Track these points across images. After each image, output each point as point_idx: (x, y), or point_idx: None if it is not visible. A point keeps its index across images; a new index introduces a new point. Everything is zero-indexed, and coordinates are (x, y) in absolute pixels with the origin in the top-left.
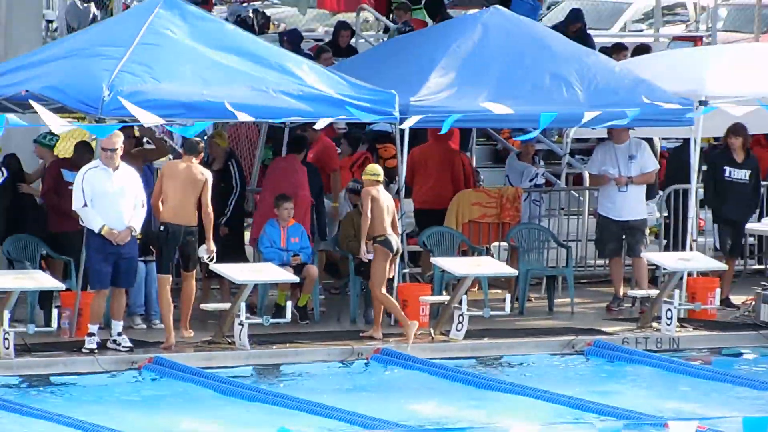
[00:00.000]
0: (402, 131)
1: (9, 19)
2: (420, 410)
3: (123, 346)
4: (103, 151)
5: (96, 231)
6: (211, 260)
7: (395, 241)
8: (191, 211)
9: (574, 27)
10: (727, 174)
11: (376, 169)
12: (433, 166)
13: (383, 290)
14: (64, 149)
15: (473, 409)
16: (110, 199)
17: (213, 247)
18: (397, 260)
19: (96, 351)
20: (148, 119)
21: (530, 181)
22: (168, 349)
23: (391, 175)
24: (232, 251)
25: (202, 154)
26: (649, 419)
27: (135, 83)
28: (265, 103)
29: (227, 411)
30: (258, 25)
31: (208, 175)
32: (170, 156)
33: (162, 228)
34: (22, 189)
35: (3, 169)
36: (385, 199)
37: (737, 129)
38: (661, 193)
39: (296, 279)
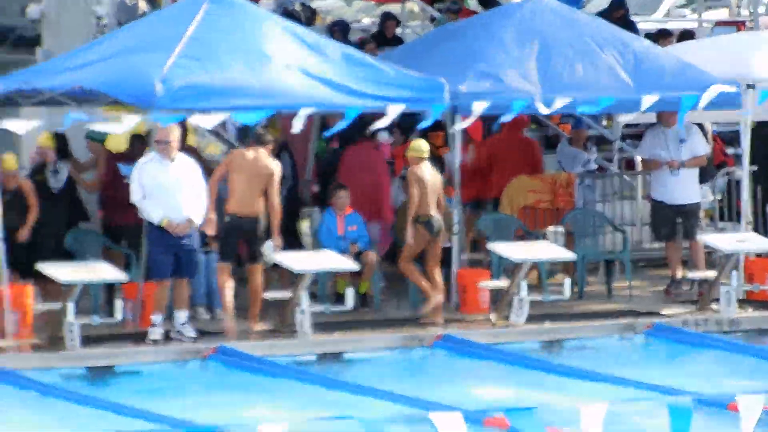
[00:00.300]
0: (453, 118)
1: (59, 14)
2: (483, 395)
3: (187, 336)
4: (158, 143)
5: (155, 223)
6: (273, 255)
7: (438, 222)
8: (257, 203)
9: (618, 13)
10: None
11: (420, 145)
12: (513, 156)
13: (408, 263)
14: (118, 143)
15: (536, 394)
16: (168, 191)
17: (279, 242)
18: (456, 245)
19: (160, 341)
20: (203, 121)
21: (583, 166)
22: (230, 335)
23: (441, 164)
24: (287, 241)
25: (271, 145)
26: (717, 396)
27: (187, 76)
28: (322, 94)
29: (292, 398)
30: (305, 17)
31: (276, 168)
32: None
33: (227, 219)
34: (71, 173)
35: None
36: (431, 177)
37: None
38: (718, 174)
39: (356, 267)
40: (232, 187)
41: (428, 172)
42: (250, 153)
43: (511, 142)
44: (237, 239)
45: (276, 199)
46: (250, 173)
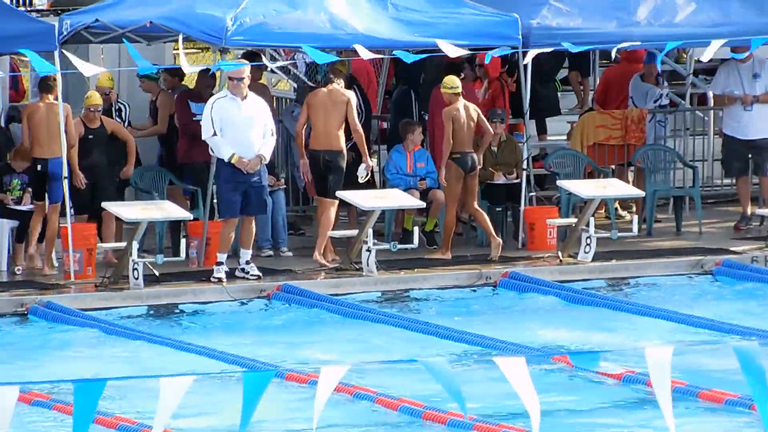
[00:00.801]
0: (525, 55)
1: None
2: (550, 334)
3: (251, 275)
4: (230, 80)
5: (226, 160)
6: (367, 177)
7: (471, 159)
8: (337, 135)
9: None
10: None
11: (454, 81)
12: (625, 88)
13: (454, 211)
14: (187, 80)
15: (603, 332)
16: (239, 128)
17: (370, 163)
18: (524, 182)
19: (224, 280)
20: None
21: (654, 102)
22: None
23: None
24: (354, 180)
25: (342, 78)
26: None
27: (259, 14)
28: (390, 34)
29: (356, 337)
30: None
31: (350, 96)
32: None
33: (311, 156)
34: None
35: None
36: (465, 113)
37: None
38: None
39: (422, 204)
40: (313, 125)
41: (462, 109)
42: (324, 90)
43: (626, 75)
44: (322, 174)
45: (358, 124)
46: (327, 108)
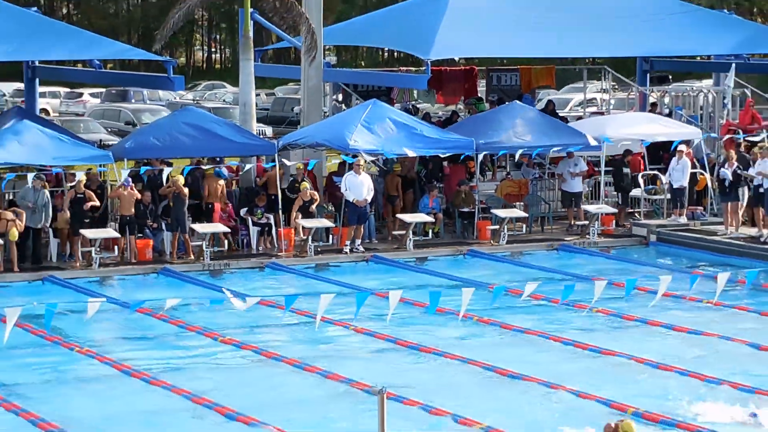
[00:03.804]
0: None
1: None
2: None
3: (361, 251)
4: (355, 166)
5: (351, 200)
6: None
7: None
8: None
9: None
10: None
11: None
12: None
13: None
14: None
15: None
16: (358, 187)
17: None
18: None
19: (348, 252)
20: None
21: (532, 176)
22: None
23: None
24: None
25: (396, 171)
26: None
27: (366, 136)
28: (414, 143)
29: (389, 283)
30: (414, 111)
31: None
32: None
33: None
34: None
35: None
36: None
37: None
38: None
39: (432, 220)
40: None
41: None
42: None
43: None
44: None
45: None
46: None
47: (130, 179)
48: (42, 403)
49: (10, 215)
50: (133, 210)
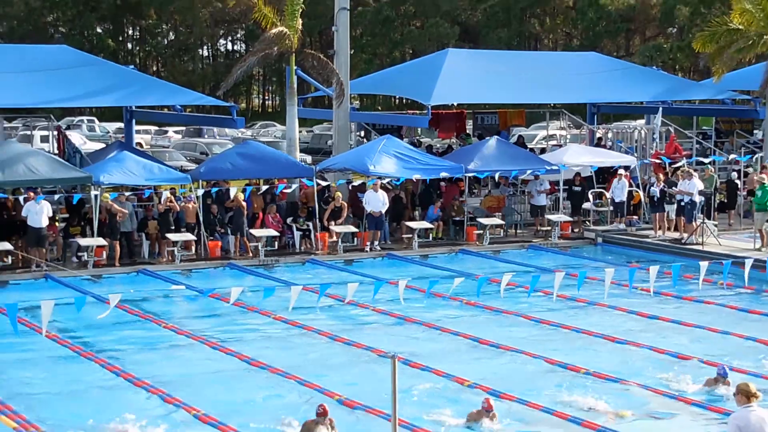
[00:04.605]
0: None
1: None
2: None
3: (379, 250)
4: (374, 186)
5: (368, 210)
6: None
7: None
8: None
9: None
10: None
11: None
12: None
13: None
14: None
15: None
16: (374, 202)
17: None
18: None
19: (371, 251)
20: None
21: (508, 194)
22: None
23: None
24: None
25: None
26: None
27: (381, 163)
28: (406, 168)
29: (398, 272)
30: (418, 144)
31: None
32: None
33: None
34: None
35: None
36: None
37: None
38: None
39: (432, 227)
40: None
41: None
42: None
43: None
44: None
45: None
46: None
47: (192, 195)
48: (137, 365)
49: (119, 208)
50: (195, 218)
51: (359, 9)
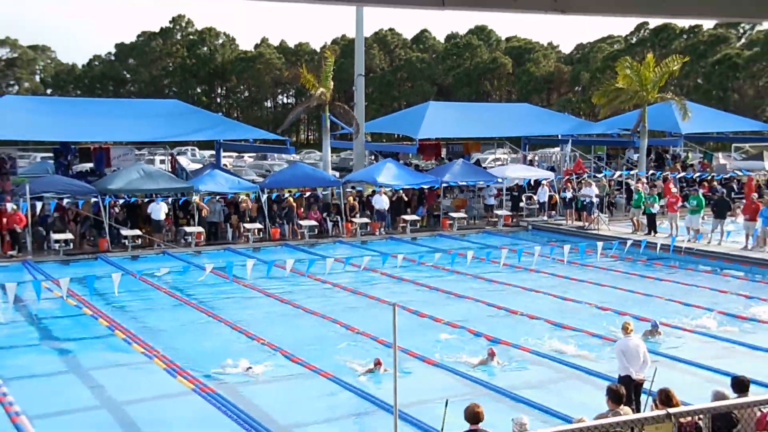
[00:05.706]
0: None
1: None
2: None
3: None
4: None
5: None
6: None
7: None
8: None
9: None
10: None
11: None
12: None
13: None
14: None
15: None
16: (380, 203)
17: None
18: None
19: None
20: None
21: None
22: None
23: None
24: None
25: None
26: None
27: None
28: (400, 178)
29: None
30: (414, 167)
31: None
32: None
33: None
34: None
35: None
36: None
37: None
38: None
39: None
40: None
41: None
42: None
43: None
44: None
45: None
46: None
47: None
48: (222, 310)
49: (203, 206)
50: (256, 213)
51: (371, 75)
